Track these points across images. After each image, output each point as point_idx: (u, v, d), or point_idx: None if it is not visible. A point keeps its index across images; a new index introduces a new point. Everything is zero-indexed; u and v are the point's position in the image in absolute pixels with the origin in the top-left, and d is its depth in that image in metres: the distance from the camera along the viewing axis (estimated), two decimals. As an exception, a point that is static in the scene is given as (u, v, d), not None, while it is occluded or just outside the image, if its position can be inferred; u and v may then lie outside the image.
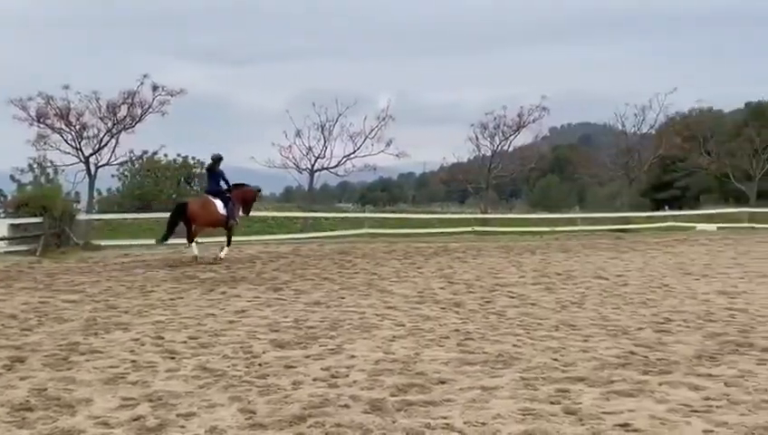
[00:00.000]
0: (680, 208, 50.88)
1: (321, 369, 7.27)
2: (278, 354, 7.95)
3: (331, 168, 35.59)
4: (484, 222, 34.89)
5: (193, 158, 39.91)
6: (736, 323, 10.12)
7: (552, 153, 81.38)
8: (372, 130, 34.83)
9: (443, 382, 6.73)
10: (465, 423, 5.55)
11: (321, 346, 8.38)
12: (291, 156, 34.79)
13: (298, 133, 34.53)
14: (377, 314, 10.59)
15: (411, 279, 15.06)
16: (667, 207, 45.39)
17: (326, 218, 36.84)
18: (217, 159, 19.20)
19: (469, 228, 32.69)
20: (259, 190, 21.96)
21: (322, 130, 34.53)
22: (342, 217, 38.08)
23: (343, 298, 12.26)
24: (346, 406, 6.00)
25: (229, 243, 19.21)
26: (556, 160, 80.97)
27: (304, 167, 35.26)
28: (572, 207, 51.45)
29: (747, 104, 70.62)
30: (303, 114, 35.59)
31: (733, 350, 8.28)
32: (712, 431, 5.36)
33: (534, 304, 11.83)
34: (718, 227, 35.57)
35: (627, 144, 41.45)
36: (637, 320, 10.34)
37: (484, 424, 5.54)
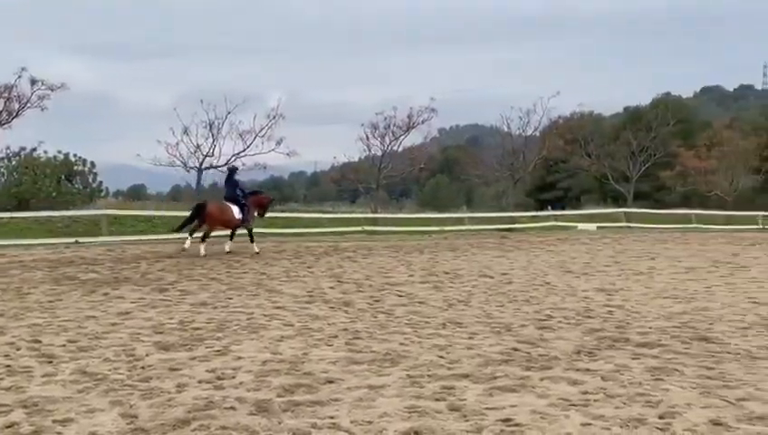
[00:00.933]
0: (563, 208, 52.65)
1: (207, 371, 7.14)
2: (162, 357, 7.76)
3: (220, 166, 35.10)
4: (375, 222, 35.11)
5: (75, 155, 38.49)
6: (613, 319, 10.53)
7: (441, 154, 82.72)
8: (262, 129, 34.62)
9: (330, 382, 6.73)
10: (351, 422, 5.57)
11: (207, 348, 8.23)
12: (178, 154, 34.16)
13: (185, 131, 33.95)
14: (265, 315, 10.49)
15: (301, 279, 15.00)
16: (550, 207, 46.88)
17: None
18: (233, 170, 22.31)
19: (359, 228, 32.80)
20: (272, 198, 24.95)
21: (211, 127, 34.06)
22: (231, 217, 37.49)
23: (231, 299, 12.08)
24: (232, 408, 5.91)
25: (252, 239, 21.30)
26: (445, 161, 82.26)
27: (192, 165, 34.72)
28: (460, 206, 52.39)
29: (626, 109, 73.75)
30: (191, 112, 35.01)
31: (610, 345, 8.61)
32: (589, 424, 5.55)
33: (422, 302, 11.98)
34: (598, 227, 36.98)
35: (512, 146, 42.57)
36: (520, 317, 10.62)
37: (370, 423, 5.57)
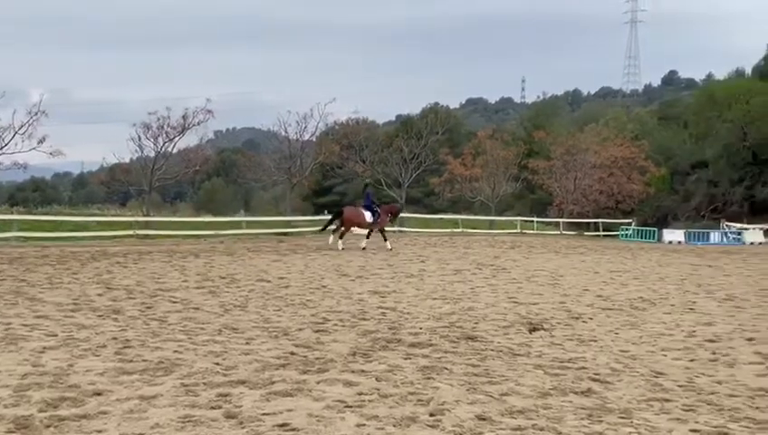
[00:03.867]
0: (339, 213, 53.42)
1: (-43, 388, 6.51)
2: None
3: (-28, 165, 32.36)
4: (147, 225, 33.89)
5: None
6: (387, 320, 10.86)
7: (218, 156, 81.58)
8: (23, 126, 32.25)
9: (98, 394, 6.37)
10: (121, 436, 5.30)
11: (-44, 362, 7.51)
12: None
13: (-69, 125, 30.91)
14: (25, 325, 9.74)
15: (65, 286, 14.13)
16: (326, 212, 47.43)
17: (-34, 221, 33.25)
18: (367, 184, 29.93)
19: (131, 231, 31.58)
20: (402, 206, 32.82)
21: (-39, 123, 31.24)
22: (-13, 220, 34.64)
23: (-15, 308, 11.12)
24: (-14, 427, 5.43)
25: (385, 238, 26.88)
26: (221, 164, 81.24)
27: (-62, 163, 31.66)
28: (238, 210, 51.84)
29: (398, 117, 76.60)
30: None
31: (383, 346, 8.86)
32: (364, 425, 5.66)
33: (198, 308, 11.70)
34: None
35: (290, 150, 42.65)
36: (297, 321, 10.66)
37: (141, 435, 5.33)
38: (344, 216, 26.48)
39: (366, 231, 27.35)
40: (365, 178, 32.63)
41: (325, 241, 26.64)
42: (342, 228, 26.42)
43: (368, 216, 26.42)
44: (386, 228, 27.93)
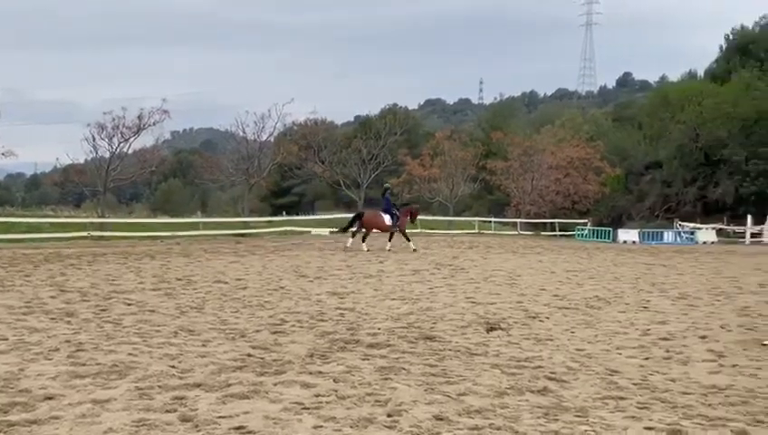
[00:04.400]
0: (297, 214, 53.40)
1: None
2: None
3: None
4: (102, 226, 33.44)
5: None
6: (345, 321, 10.82)
7: (175, 157, 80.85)
8: (-27, 126, 31.69)
9: (50, 398, 6.24)
10: (73, 441, 5.20)
11: None
12: None
13: None
14: (-26, 329, 9.53)
15: (17, 288, 13.86)
16: (285, 213, 47.27)
17: None
18: (387, 189, 29.52)
19: (85, 233, 31.14)
20: (419, 207, 32.38)
21: None
22: (-64, 221, 33.84)
23: (-67, 312, 10.85)
24: (-69, 435, 5.29)
25: (407, 238, 27.69)
26: (179, 164, 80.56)
27: None
28: (195, 211, 51.39)
29: (357, 117, 76.59)
30: None
31: (341, 347, 8.82)
32: (321, 426, 5.62)
33: (153, 310, 11.55)
34: (330, 232, 37.94)
35: (248, 151, 42.37)
36: (254, 322, 10.58)
37: (94, 440, 5.23)
38: (364, 219, 27.68)
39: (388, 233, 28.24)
40: (385, 183, 32.88)
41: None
42: (363, 231, 27.43)
43: (387, 219, 27.45)
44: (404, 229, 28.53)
